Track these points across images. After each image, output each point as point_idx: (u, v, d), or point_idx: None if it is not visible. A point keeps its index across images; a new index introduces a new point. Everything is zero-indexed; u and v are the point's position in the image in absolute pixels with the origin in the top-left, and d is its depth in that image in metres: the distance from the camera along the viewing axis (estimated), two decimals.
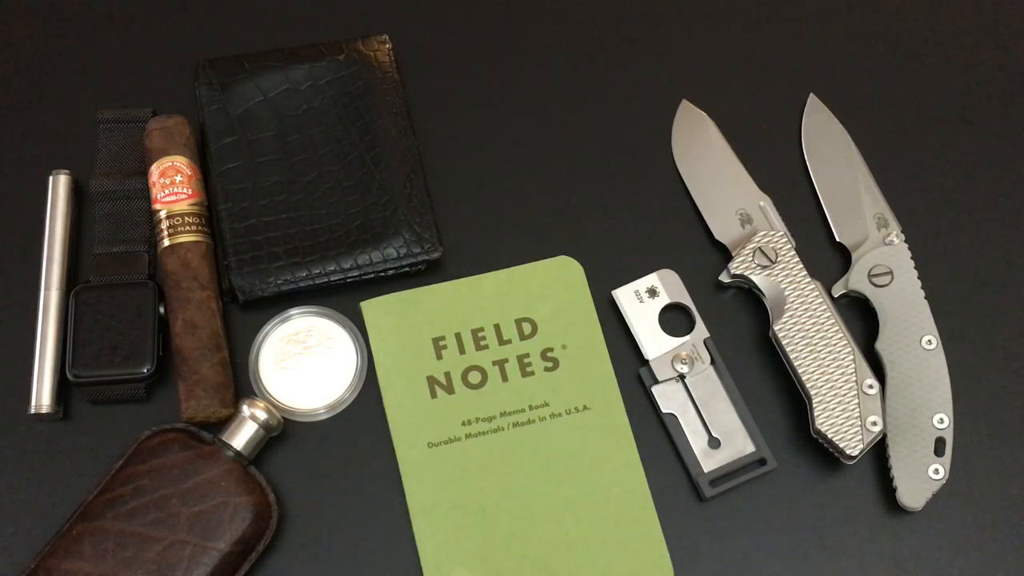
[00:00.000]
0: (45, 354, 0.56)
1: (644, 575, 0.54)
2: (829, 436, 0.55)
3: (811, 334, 0.57)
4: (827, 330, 0.57)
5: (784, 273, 0.58)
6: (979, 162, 0.65)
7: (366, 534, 0.55)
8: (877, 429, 0.55)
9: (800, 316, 0.57)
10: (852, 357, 0.56)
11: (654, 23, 0.68)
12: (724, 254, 0.62)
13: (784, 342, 0.57)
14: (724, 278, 0.60)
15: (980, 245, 0.63)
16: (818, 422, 0.55)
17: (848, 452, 0.54)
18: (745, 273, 0.59)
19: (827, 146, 0.65)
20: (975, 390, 0.59)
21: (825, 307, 0.57)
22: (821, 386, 0.56)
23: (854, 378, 0.56)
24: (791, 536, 0.56)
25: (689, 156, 0.64)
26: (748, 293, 0.61)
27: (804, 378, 0.56)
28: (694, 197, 0.63)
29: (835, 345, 0.56)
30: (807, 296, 0.58)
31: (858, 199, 0.63)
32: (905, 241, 0.61)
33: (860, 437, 0.54)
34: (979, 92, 0.67)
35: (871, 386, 0.55)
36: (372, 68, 0.63)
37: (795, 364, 0.56)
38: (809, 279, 0.58)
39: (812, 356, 0.56)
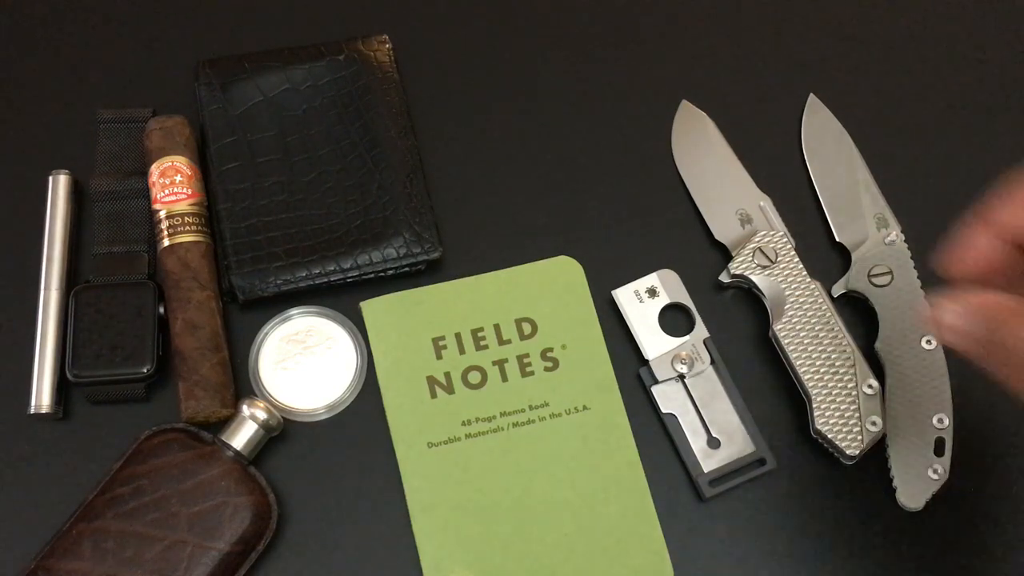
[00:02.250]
0: (45, 354, 0.56)
1: (644, 575, 0.54)
2: (829, 436, 0.55)
3: (811, 334, 0.57)
4: (827, 330, 0.57)
5: (784, 273, 0.58)
6: (979, 162, 0.65)
7: (366, 534, 0.55)
8: (877, 429, 0.55)
9: (800, 316, 0.57)
10: (852, 357, 0.56)
11: (654, 23, 0.68)
12: (724, 254, 0.62)
13: (784, 342, 0.57)
14: (724, 278, 0.60)
15: None
16: (818, 422, 0.55)
17: (848, 452, 0.54)
18: (745, 273, 0.59)
19: (827, 146, 0.65)
20: (975, 390, 0.59)
21: (825, 307, 0.57)
22: (821, 386, 0.56)
23: (854, 378, 0.56)
24: (791, 536, 0.56)
25: (689, 156, 0.64)
26: (748, 293, 0.61)
27: (804, 378, 0.56)
28: (694, 197, 0.63)
29: (835, 345, 0.56)
30: (807, 296, 0.58)
31: (858, 199, 0.63)
32: (905, 241, 0.61)
33: (860, 437, 0.54)
34: (979, 92, 0.67)
35: (871, 386, 0.55)
36: (372, 68, 0.63)
37: (795, 364, 0.56)
38: (809, 279, 0.58)
39: (812, 356, 0.56)
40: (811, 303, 0.57)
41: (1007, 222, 0.42)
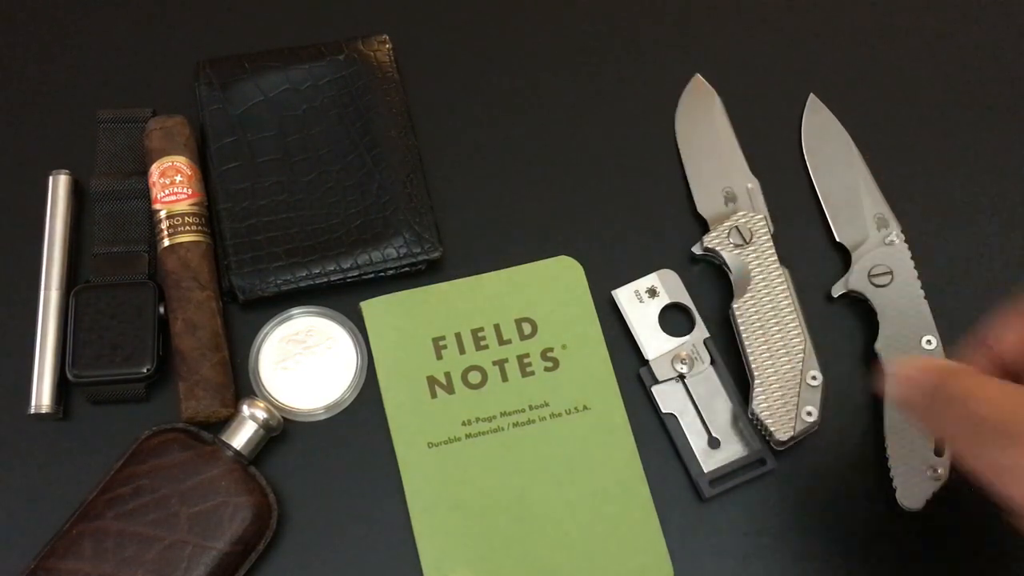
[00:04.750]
0: (45, 354, 0.56)
1: (644, 575, 0.54)
2: (763, 419, 0.55)
3: (767, 318, 0.57)
4: (784, 317, 0.57)
5: (755, 255, 0.59)
6: (979, 162, 0.65)
7: (366, 534, 0.55)
8: (811, 420, 0.55)
9: (760, 299, 0.57)
10: (803, 347, 0.56)
11: (653, 25, 0.68)
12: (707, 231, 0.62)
13: (739, 321, 0.57)
14: (696, 250, 0.60)
15: (980, 245, 0.63)
16: (754, 403, 0.55)
17: (777, 436, 0.55)
18: (717, 248, 0.59)
19: (827, 146, 0.65)
20: None
21: (787, 294, 0.57)
22: (765, 370, 0.56)
23: (800, 367, 0.56)
24: (791, 536, 0.56)
25: (689, 126, 0.64)
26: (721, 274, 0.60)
27: (751, 359, 0.56)
28: (685, 168, 0.63)
29: (788, 333, 0.56)
30: (772, 281, 0.58)
31: (858, 199, 0.63)
32: (905, 241, 0.61)
33: (792, 424, 0.55)
34: (980, 92, 0.67)
35: (814, 378, 0.56)
36: (372, 68, 0.63)
37: (745, 344, 0.56)
38: (778, 265, 0.58)
39: (763, 339, 0.56)
40: (774, 288, 0.58)
41: (1001, 350, 0.44)
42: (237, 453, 0.53)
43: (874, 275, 0.59)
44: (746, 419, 0.57)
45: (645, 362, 0.59)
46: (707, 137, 0.64)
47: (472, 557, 0.54)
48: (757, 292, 0.58)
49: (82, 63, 0.65)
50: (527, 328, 0.59)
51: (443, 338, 0.58)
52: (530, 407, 0.57)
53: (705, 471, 0.56)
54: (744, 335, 0.57)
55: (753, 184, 0.62)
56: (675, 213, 0.63)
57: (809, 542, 0.56)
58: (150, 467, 0.52)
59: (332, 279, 0.58)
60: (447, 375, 0.58)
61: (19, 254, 0.60)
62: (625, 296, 0.60)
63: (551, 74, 0.66)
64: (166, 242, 0.57)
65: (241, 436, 0.54)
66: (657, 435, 0.58)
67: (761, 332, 0.57)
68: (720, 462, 0.57)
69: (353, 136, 0.61)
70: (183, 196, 0.58)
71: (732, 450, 0.57)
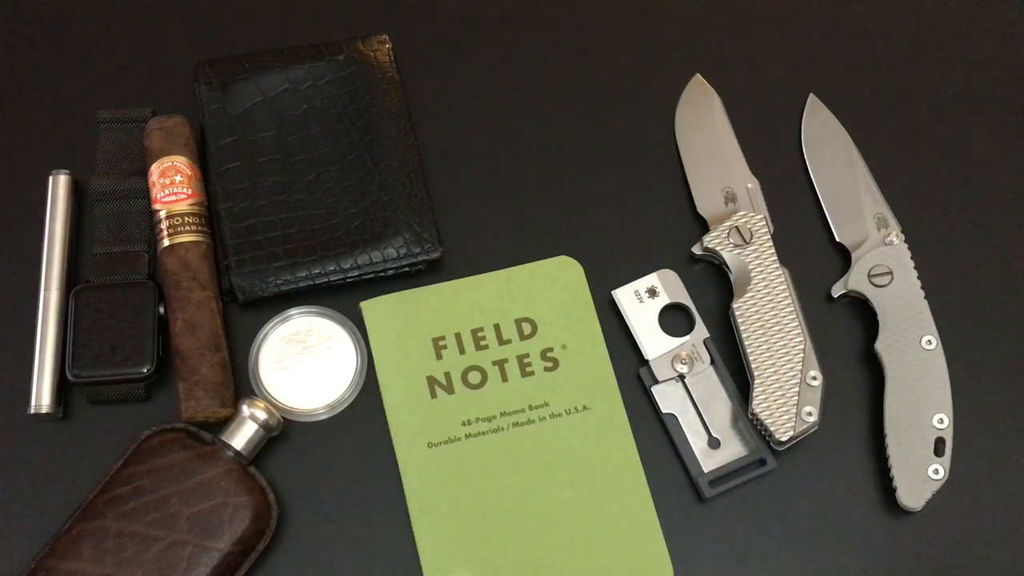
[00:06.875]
0: (45, 354, 0.56)
1: (644, 575, 0.54)
2: (763, 419, 0.55)
3: (767, 318, 0.57)
4: (783, 317, 0.57)
5: (755, 255, 0.59)
6: (979, 162, 0.65)
7: (366, 534, 0.55)
8: (811, 420, 0.55)
9: (760, 299, 0.57)
10: (803, 347, 0.56)
11: (653, 26, 0.68)
12: (705, 230, 0.62)
13: (740, 321, 0.57)
14: (696, 250, 0.60)
15: (980, 245, 0.63)
16: (754, 403, 0.55)
17: (778, 437, 0.55)
18: (717, 248, 0.59)
19: (827, 146, 0.65)
20: (975, 390, 0.59)
21: (787, 294, 0.57)
22: (765, 370, 0.56)
23: (800, 367, 0.56)
24: (791, 536, 0.56)
25: (689, 127, 0.64)
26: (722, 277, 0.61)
27: (751, 359, 0.56)
28: (685, 168, 0.63)
29: (788, 333, 0.56)
30: (772, 281, 0.58)
31: (858, 199, 0.63)
32: (905, 241, 0.61)
33: (792, 424, 0.55)
34: (979, 92, 0.67)
35: (815, 378, 0.56)
36: (372, 68, 0.63)
37: (745, 344, 0.57)
38: (778, 265, 0.58)
39: (763, 339, 0.56)
40: (774, 288, 0.58)
41: None
42: (237, 453, 0.53)
43: (874, 275, 0.59)
44: (746, 419, 0.57)
45: (645, 362, 0.59)
46: (707, 137, 0.64)
47: (472, 557, 0.54)
48: (757, 292, 0.58)
49: (82, 63, 0.65)
50: (527, 328, 0.59)
51: (443, 338, 0.58)
52: (530, 407, 0.57)
53: (705, 471, 0.56)
54: (744, 335, 0.57)
55: (753, 184, 0.62)
56: (675, 213, 0.63)
57: (809, 542, 0.56)
58: (150, 467, 0.52)
59: (332, 279, 0.58)
60: (447, 375, 0.58)
61: (19, 254, 0.60)
62: (625, 296, 0.60)
63: (551, 74, 0.66)
64: (166, 242, 0.57)
65: (241, 436, 0.54)
66: (657, 435, 0.58)
67: (761, 332, 0.57)
68: (720, 462, 0.57)
69: (353, 136, 0.61)
70: (183, 196, 0.58)
71: (732, 450, 0.57)
